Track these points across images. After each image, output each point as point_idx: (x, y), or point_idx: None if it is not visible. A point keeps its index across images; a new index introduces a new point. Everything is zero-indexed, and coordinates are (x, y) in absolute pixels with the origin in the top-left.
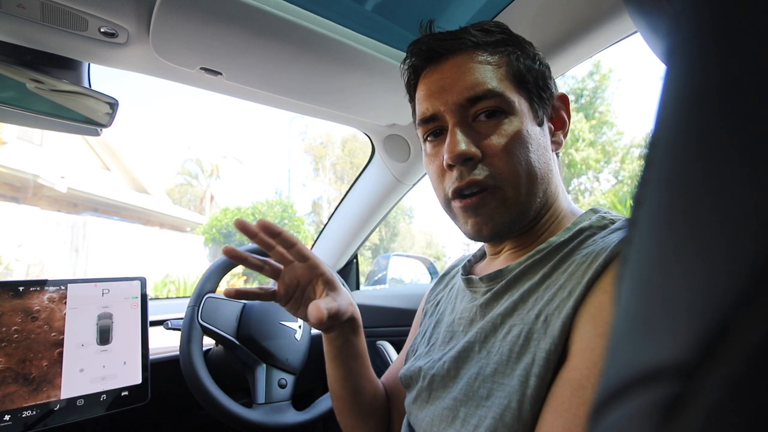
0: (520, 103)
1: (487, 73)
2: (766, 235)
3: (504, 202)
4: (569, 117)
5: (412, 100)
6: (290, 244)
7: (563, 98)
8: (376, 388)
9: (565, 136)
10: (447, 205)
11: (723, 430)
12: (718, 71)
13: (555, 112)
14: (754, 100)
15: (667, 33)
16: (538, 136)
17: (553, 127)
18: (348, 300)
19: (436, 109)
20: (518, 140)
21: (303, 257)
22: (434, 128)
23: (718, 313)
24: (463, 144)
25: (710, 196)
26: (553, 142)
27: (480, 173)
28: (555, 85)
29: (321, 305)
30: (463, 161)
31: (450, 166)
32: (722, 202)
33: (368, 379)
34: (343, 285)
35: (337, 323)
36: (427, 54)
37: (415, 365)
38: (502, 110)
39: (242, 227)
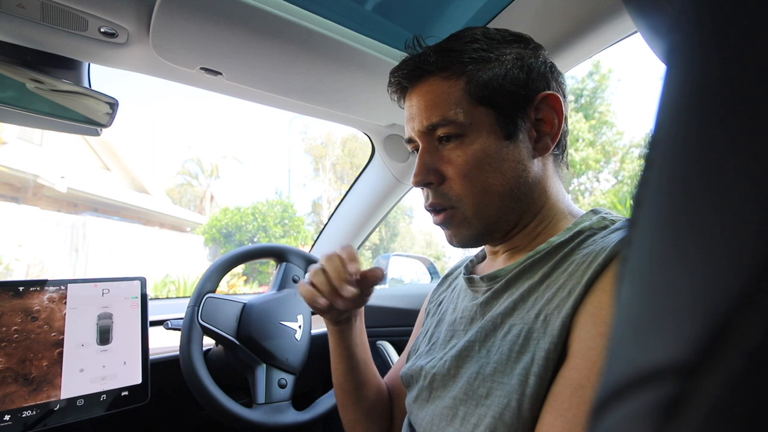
0: (480, 123)
1: (443, 99)
2: (766, 235)
3: (464, 220)
4: (560, 116)
5: None
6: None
7: (549, 98)
8: (379, 384)
9: (554, 138)
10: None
11: (723, 430)
12: (718, 71)
13: (540, 114)
14: (754, 100)
15: (667, 33)
16: (504, 151)
17: (535, 132)
18: None
19: (410, 134)
20: (473, 162)
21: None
22: (414, 147)
23: (718, 313)
24: (422, 172)
25: (710, 196)
26: (536, 148)
27: (439, 196)
28: (543, 83)
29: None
30: (425, 185)
31: (418, 186)
32: (722, 202)
33: (372, 371)
34: None
35: (351, 312)
36: (398, 86)
37: (416, 364)
38: (458, 134)
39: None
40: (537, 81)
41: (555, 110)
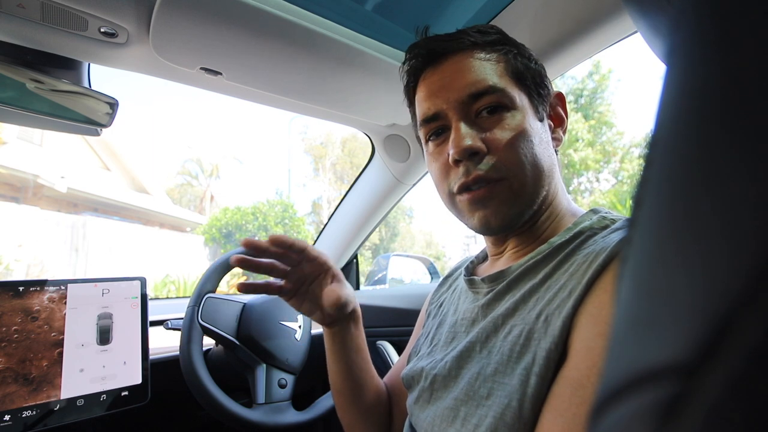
0: (521, 98)
1: (487, 69)
2: (766, 235)
3: (511, 194)
4: (567, 115)
5: (411, 104)
6: (300, 249)
7: (560, 96)
8: (378, 385)
9: (564, 133)
10: (451, 201)
11: (723, 430)
12: (719, 71)
13: (553, 110)
14: (754, 100)
15: (667, 33)
16: (541, 131)
17: (552, 124)
18: (352, 292)
19: (438, 107)
20: (522, 134)
21: (312, 258)
22: (437, 128)
23: (718, 313)
24: (468, 139)
25: (710, 196)
26: (553, 139)
27: (485, 167)
28: (551, 83)
29: (336, 289)
30: (470, 155)
31: (456, 162)
32: (722, 202)
33: (369, 374)
34: None
35: (342, 314)
36: (426, 56)
37: (417, 365)
38: (504, 105)
39: (250, 245)
40: (548, 79)
41: (563, 108)
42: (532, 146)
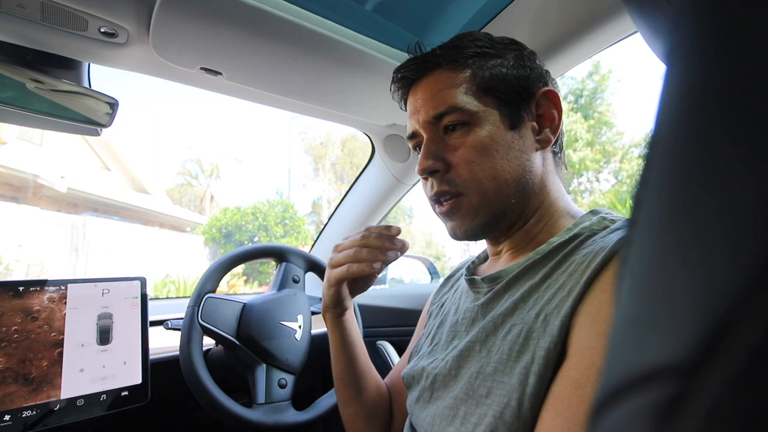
0: (485, 111)
1: (451, 90)
2: (766, 235)
3: (470, 209)
4: (559, 112)
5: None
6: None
7: (549, 94)
8: (378, 382)
9: (554, 131)
10: (432, 207)
11: (723, 430)
12: (719, 71)
13: (541, 110)
14: (754, 100)
15: (667, 33)
16: (510, 140)
17: (537, 125)
18: None
19: (414, 127)
20: (480, 149)
21: None
22: (416, 143)
23: (718, 313)
24: (430, 158)
25: (710, 196)
26: (538, 141)
27: (446, 183)
28: (544, 81)
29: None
30: (430, 173)
31: (423, 177)
32: (722, 202)
33: (369, 365)
34: None
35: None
36: (403, 81)
37: (418, 365)
38: (464, 122)
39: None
40: (536, 79)
41: (554, 105)
42: (492, 159)
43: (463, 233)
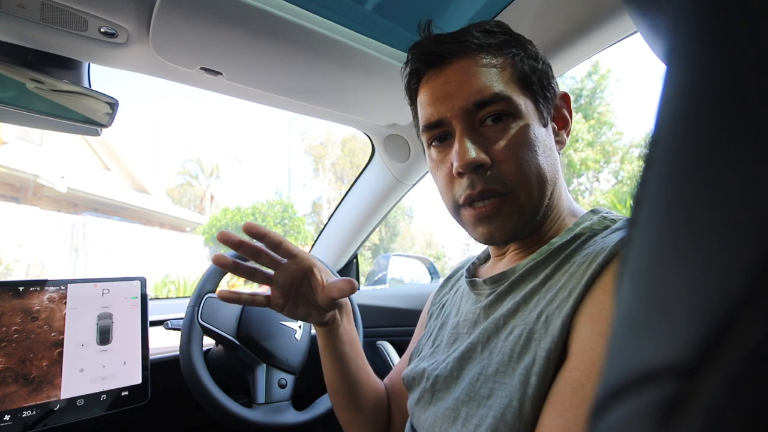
0: (526, 105)
1: (493, 76)
2: (766, 235)
3: (517, 208)
4: (571, 115)
5: (413, 103)
6: (276, 243)
7: (565, 97)
8: (375, 385)
9: (567, 134)
10: (456, 211)
11: (723, 430)
12: (719, 71)
13: (557, 112)
14: (755, 100)
15: (667, 33)
16: (545, 137)
17: (556, 126)
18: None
19: (442, 114)
20: (526, 144)
21: (291, 254)
22: (440, 133)
23: (718, 313)
24: (473, 152)
25: (710, 196)
26: (557, 142)
27: (490, 181)
28: (557, 84)
29: (331, 283)
30: (474, 169)
31: (460, 174)
32: (722, 202)
33: (366, 371)
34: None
35: (336, 307)
36: (430, 58)
37: (419, 366)
38: (509, 114)
39: (225, 239)
40: (554, 79)
41: (568, 108)
42: (537, 156)
43: (504, 236)
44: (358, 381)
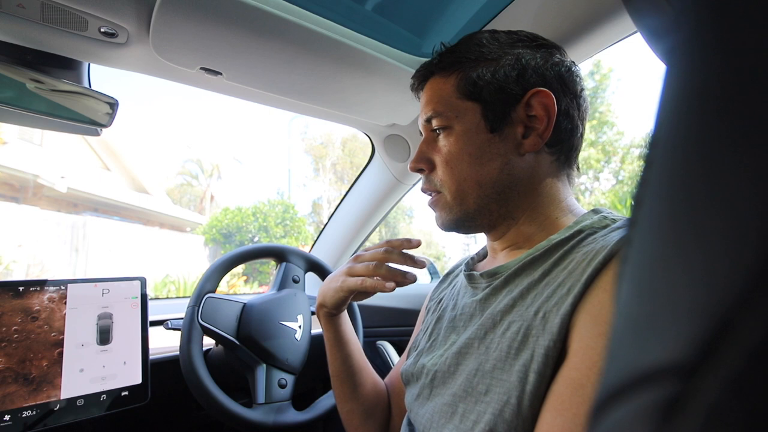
0: (465, 116)
1: (437, 95)
2: (766, 235)
3: (446, 205)
4: (552, 112)
5: None
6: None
7: (541, 94)
8: (376, 380)
9: (546, 132)
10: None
11: (723, 430)
12: (718, 71)
13: (531, 110)
14: (754, 100)
15: (667, 33)
16: (487, 143)
17: (525, 128)
18: None
19: (420, 127)
20: (455, 153)
21: None
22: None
23: (718, 313)
24: (416, 159)
25: (710, 196)
26: (524, 144)
27: (427, 181)
28: (535, 81)
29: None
30: (418, 171)
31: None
32: (722, 202)
33: (365, 360)
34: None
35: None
36: (413, 86)
37: (418, 362)
38: (446, 126)
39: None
40: (531, 78)
41: (546, 107)
42: (467, 161)
43: (442, 224)
44: (360, 369)
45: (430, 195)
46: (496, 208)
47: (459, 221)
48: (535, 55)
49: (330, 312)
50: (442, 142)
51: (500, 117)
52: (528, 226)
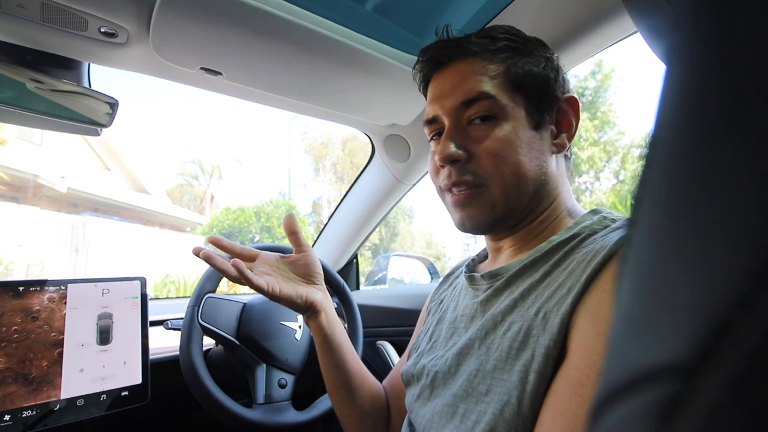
0: (514, 107)
1: (483, 78)
2: (766, 235)
3: (489, 201)
4: (577, 119)
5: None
6: (252, 256)
7: (571, 101)
8: (372, 381)
9: (570, 138)
10: (442, 196)
11: (723, 430)
12: (718, 71)
13: (561, 115)
14: (754, 100)
15: (666, 33)
16: (531, 140)
17: (555, 129)
18: (298, 289)
19: (436, 112)
20: (507, 144)
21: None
22: (436, 130)
23: (717, 313)
24: (451, 147)
25: (710, 196)
26: (554, 145)
27: (465, 173)
28: (566, 87)
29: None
30: (451, 162)
31: (441, 165)
32: (722, 202)
33: (359, 364)
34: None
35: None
36: (433, 62)
37: (418, 363)
38: (493, 115)
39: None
40: (562, 83)
41: (574, 113)
42: (517, 155)
43: (474, 224)
44: (354, 373)
45: (460, 190)
46: (528, 206)
47: (496, 221)
48: (556, 59)
49: (304, 315)
50: (486, 131)
51: (540, 115)
52: (539, 226)
